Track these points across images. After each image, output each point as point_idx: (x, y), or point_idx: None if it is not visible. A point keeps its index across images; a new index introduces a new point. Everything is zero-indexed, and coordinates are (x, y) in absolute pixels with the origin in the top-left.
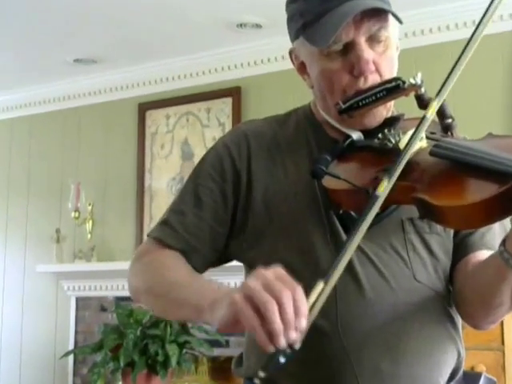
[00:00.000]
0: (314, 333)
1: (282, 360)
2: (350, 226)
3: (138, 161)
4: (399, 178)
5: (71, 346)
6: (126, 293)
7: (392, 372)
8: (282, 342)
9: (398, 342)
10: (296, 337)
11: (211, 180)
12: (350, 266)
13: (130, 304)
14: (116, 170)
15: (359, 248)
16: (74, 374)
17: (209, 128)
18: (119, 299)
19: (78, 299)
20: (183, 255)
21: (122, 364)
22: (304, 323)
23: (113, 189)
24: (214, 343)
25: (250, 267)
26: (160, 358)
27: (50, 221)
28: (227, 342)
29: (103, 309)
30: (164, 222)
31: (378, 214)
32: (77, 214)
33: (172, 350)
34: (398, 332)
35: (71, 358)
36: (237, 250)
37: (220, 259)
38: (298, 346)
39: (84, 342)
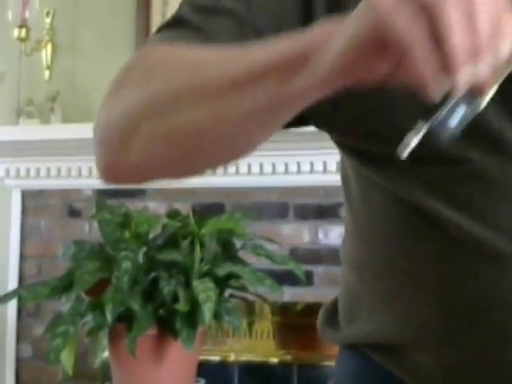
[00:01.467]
0: (480, 258)
1: (459, 115)
2: None
3: None
4: None
5: (13, 285)
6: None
7: None
8: (467, 74)
9: None
10: (492, 74)
11: None
12: None
13: (124, 203)
14: None
15: None
16: (19, 337)
17: None
18: (103, 194)
19: (25, 194)
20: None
21: (109, 318)
22: (509, 48)
23: None
24: (285, 278)
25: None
26: (181, 307)
27: None
28: (309, 276)
29: (73, 213)
30: (178, 21)
31: None
32: (23, 33)
33: (204, 290)
34: None
35: (13, 305)
36: None
37: None
38: (485, 97)
39: (38, 277)
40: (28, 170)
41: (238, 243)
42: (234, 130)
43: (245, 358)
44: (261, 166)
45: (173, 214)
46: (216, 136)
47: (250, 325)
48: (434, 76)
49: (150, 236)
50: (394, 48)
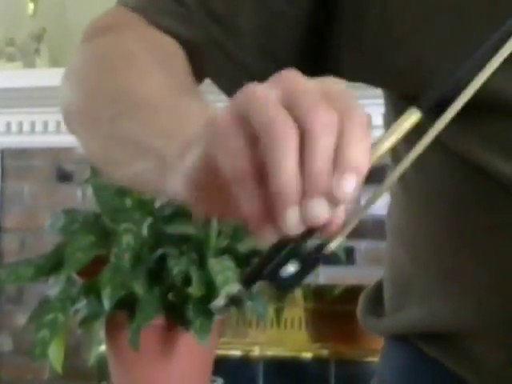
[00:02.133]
0: None
1: (286, 270)
2: None
3: None
4: None
5: None
6: None
7: None
8: (295, 218)
9: None
10: (333, 218)
11: None
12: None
13: None
14: None
15: None
16: None
17: None
18: None
19: (4, 154)
20: (190, 52)
21: (106, 304)
22: (352, 186)
23: None
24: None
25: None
26: (194, 291)
27: None
28: (350, 253)
29: (63, 176)
30: None
31: None
32: None
33: (222, 270)
34: None
35: None
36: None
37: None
38: (333, 244)
39: (20, 254)
40: (8, 125)
41: None
42: (118, 178)
43: (271, 352)
44: None
45: None
46: (105, 167)
47: (278, 312)
48: (260, 220)
49: (157, 204)
50: (226, 169)
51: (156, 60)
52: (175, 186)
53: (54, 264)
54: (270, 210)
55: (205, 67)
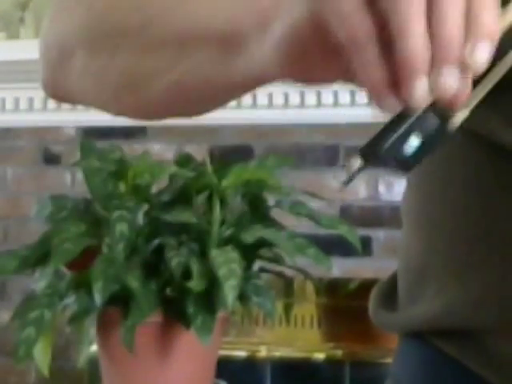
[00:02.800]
0: None
1: (416, 140)
2: None
3: None
4: None
5: None
6: (108, 118)
7: None
8: (423, 88)
9: None
10: (462, 89)
11: None
12: None
13: (119, 146)
14: None
15: None
16: None
17: None
18: (90, 134)
19: None
20: None
21: (98, 300)
22: (486, 54)
23: None
24: (334, 246)
25: None
26: (195, 285)
27: None
28: (367, 243)
29: (50, 159)
30: None
31: None
32: None
33: (226, 262)
34: None
35: None
36: None
37: None
38: (458, 118)
39: (2, 245)
40: None
41: (270, 200)
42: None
43: (280, 353)
44: (302, 96)
45: (183, 161)
46: (165, 88)
47: (287, 309)
48: (384, 88)
49: (153, 190)
50: (337, 46)
51: None
52: (260, 61)
53: (40, 255)
54: (394, 78)
55: None
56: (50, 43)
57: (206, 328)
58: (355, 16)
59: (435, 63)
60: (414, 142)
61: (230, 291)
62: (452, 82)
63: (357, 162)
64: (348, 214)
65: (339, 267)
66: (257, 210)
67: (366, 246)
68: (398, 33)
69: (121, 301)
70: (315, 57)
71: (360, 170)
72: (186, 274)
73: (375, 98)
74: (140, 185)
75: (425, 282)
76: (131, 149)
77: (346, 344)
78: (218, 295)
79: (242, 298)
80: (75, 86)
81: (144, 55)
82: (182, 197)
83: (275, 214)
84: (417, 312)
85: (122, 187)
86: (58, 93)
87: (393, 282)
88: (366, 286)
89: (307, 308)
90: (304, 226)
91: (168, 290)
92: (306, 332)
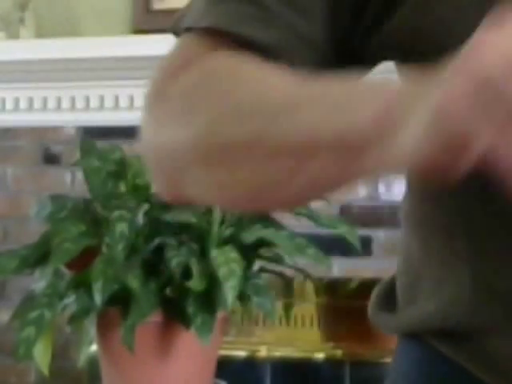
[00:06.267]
0: None
1: None
2: None
3: None
4: None
5: None
6: (108, 118)
7: None
8: None
9: None
10: None
11: None
12: None
13: (119, 145)
14: None
15: None
16: None
17: None
18: (90, 134)
19: None
20: (271, 60)
21: (98, 300)
22: None
23: None
24: (334, 246)
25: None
26: (195, 285)
27: None
28: (367, 243)
29: (50, 158)
30: None
31: None
32: None
33: (225, 262)
34: None
35: None
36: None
37: (341, 56)
38: None
39: (2, 244)
40: None
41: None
42: (283, 193)
43: (280, 353)
44: None
45: None
46: (259, 192)
47: (287, 309)
48: None
49: (153, 190)
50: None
51: (263, 72)
52: (390, 161)
53: (39, 255)
54: None
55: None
56: (159, 156)
57: (205, 328)
58: (503, 142)
59: None
60: None
61: (229, 291)
62: None
63: None
64: (348, 213)
65: (339, 267)
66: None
67: (366, 246)
68: None
69: (121, 301)
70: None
71: None
72: (186, 274)
73: None
74: (140, 185)
75: (422, 282)
76: (131, 149)
77: (345, 344)
78: (217, 295)
79: (242, 297)
80: (197, 195)
81: (263, 167)
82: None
83: (275, 213)
84: (414, 313)
85: (122, 187)
86: (180, 200)
87: (392, 283)
88: (366, 285)
89: (307, 308)
90: (304, 226)
91: (168, 290)
92: (306, 332)
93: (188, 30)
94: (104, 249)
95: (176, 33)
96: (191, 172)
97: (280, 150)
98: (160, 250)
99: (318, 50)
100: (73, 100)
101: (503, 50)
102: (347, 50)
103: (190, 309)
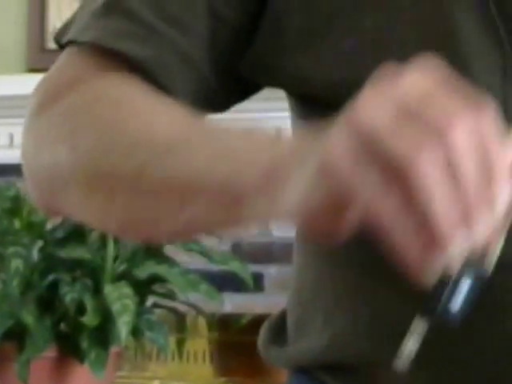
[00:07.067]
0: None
1: (462, 293)
2: None
3: None
4: None
5: None
6: (3, 155)
7: None
8: (460, 247)
9: None
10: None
11: None
12: None
13: (14, 183)
14: None
15: None
16: None
17: None
18: None
19: None
20: (155, 83)
21: None
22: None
23: None
24: (226, 282)
25: (300, 93)
26: (88, 321)
27: None
28: (258, 279)
29: None
30: (107, 7)
31: None
32: None
33: (119, 298)
34: None
35: None
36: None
37: (229, 87)
38: (493, 258)
39: None
40: None
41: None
42: (162, 232)
43: None
44: None
45: None
46: (138, 228)
47: (180, 344)
48: (422, 258)
49: (48, 226)
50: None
51: (150, 98)
52: (270, 214)
53: None
54: (429, 246)
55: (166, 86)
56: (38, 173)
57: (99, 363)
58: (379, 196)
59: (466, 220)
60: (462, 292)
61: (123, 326)
62: (481, 230)
63: (417, 326)
64: (239, 250)
65: (231, 303)
66: (150, 247)
67: (258, 282)
68: (427, 203)
69: (16, 336)
70: (332, 216)
71: (417, 334)
72: (80, 310)
73: (415, 271)
74: (35, 221)
75: (314, 314)
76: (26, 186)
77: (238, 379)
78: (111, 330)
79: (136, 332)
80: (75, 214)
81: (142, 201)
82: (76, 233)
83: (168, 250)
84: (304, 346)
85: (17, 224)
86: (56, 214)
87: (282, 317)
88: (258, 321)
89: (199, 343)
90: (196, 263)
91: (62, 326)
92: (199, 367)
93: (71, 42)
94: None
95: (59, 43)
96: (70, 193)
97: (162, 187)
98: (55, 285)
99: (200, 70)
100: None
101: (384, 106)
102: (232, 79)
103: (84, 344)
